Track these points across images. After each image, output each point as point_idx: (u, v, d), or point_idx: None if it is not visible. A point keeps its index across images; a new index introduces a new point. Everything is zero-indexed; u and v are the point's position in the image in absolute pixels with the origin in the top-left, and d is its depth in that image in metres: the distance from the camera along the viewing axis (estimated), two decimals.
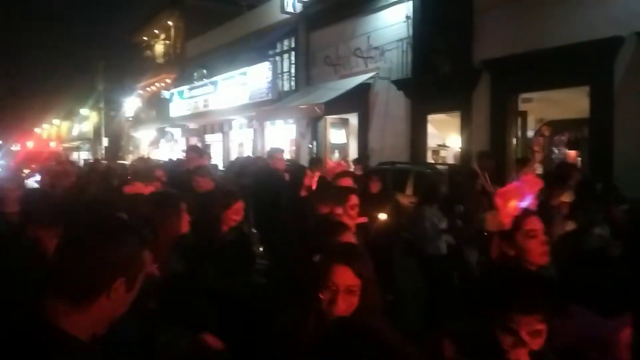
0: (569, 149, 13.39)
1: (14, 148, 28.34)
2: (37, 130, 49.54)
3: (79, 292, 1.21)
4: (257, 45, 17.62)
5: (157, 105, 26.71)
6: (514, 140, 10.77)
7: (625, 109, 8.24)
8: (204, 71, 21.40)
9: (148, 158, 14.63)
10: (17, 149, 25.13)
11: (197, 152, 6.71)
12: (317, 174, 4.96)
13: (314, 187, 4.66)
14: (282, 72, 17.23)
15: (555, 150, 13.89)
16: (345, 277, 1.72)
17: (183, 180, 5.17)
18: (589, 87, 8.99)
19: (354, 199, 3.28)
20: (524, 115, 11.26)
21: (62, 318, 1.19)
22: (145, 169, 6.10)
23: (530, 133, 12.55)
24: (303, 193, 4.72)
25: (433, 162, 12.27)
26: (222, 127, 21.20)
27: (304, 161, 14.12)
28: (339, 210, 3.10)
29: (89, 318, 1.22)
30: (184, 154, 6.78)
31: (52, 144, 40.80)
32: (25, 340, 1.14)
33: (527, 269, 2.13)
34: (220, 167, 13.51)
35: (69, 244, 1.30)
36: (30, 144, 38.67)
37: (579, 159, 12.60)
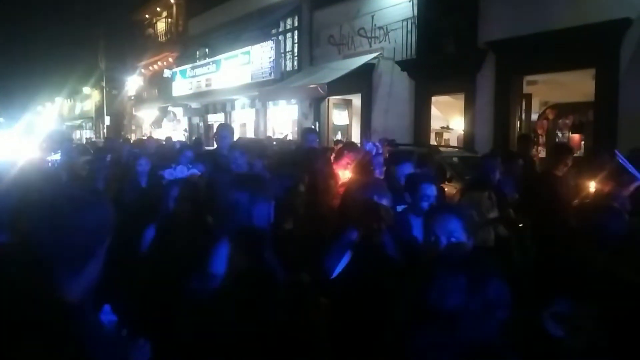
0: (573, 133, 13.34)
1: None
2: (39, 108, 49.41)
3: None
4: (260, 23, 17.44)
5: (159, 84, 26.57)
6: (518, 123, 10.73)
7: (631, 93, 8.19)
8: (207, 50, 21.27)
9: (151, 137, 14.66)
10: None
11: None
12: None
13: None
14: (285, 52, 17.09)
15: (559, 134, 13.83)
16: None
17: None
18: (594, 70, 8.92)
19: None
20: (528, 97, 11.20)
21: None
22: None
23: (534, 116, 12.50)
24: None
25: (436, 144, 12.26)
26: (224, 107, 21.12)
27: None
28: None
29: (79, 283, 1.35)
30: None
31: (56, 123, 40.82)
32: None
33: None
34: None
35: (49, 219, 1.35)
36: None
37: (583, 142, 12.57)
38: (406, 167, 4.28)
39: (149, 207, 3.62)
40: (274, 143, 11.85)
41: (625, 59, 8.32)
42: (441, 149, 10.04)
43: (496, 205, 4.30)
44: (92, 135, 35.48)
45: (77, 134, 39.91)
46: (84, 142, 25.87)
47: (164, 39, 27.20)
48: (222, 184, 2.44)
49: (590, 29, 8.43)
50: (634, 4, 8.05)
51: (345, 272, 2.47)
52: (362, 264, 2.45)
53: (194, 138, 15.55)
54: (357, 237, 2.47)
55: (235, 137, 18.02)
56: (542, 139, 13.05)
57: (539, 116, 13.06)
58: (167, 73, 24.23)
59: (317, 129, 15.31)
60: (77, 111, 44.39)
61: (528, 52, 9.53)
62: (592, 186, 4.43)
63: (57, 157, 6.60)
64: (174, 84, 23.38)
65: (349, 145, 5.82)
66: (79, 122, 43.04)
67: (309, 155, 4.60)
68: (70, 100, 45.80)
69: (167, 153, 7.62)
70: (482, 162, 5.10)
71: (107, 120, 32.90)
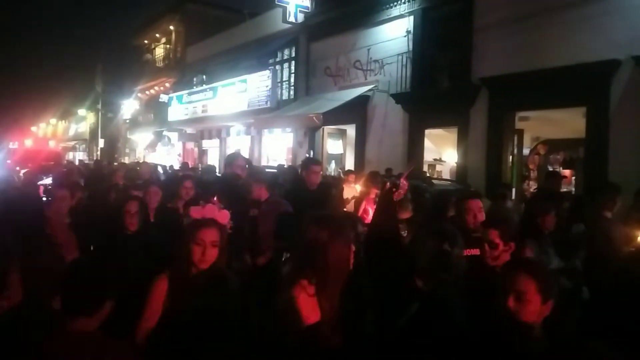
0: (564, 168, 13.50)
1: (12, 146, 28.09)
2: (33, 129, 49.36)
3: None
4: (257, 53, 17.71)
5: (155, 109, 26.71)
6: (510, 158, 10.85)
7: (621, 131, 8.34)
8: (204, 77, 21.49)
9: (144, 162, 14.66)
10: (15, 147, 24.85)
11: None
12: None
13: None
14: (282, 81, 17.32)
15: (550, 169, 13.99)
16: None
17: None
18: (585, 108, 9.10)
19: None
20: (520, 133, 11.36)
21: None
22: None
23: (525, 151, 12.66)
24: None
25: (429, 176, 12.34)
26: (219, 133, 21.22)
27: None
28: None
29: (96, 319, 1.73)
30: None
31: (52, 143, 40.67)
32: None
33: None
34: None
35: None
36: (28, 143, 38.47)
37: (574, 178, 12.71)
38: None
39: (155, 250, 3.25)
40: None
41: (615, 98, 8.51)
42: (434, 181, 10.10)
43: (556, 254, 3.83)
44: (85, 157, 35.38)
45: (70, 156, 39.81)
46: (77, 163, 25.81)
47: (161, 64, 27.50)
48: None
49: (581, 69, 8.65)
50: (623, 46, 8.29)
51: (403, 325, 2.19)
52: (423, 319, 2.16)
53: (204, 165, 15.40)
54: (422, 288, 2.23)
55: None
56: (533, 174, 13.19)
57: (531, 151, 13.23)
58: (163, 98, 24.42)
59: None
60: (72, 132, 44.39)
61: (520, 88, 9.72)
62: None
63: (49, 181, 6.53)
64: (169, 108, 23.52)
65: (375, 178, 5.56)
66: (72, 143, 42.99)
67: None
68: (65, 122, 45.84)
69: (170, 183, 6.71)
70: (533, 205, 4.48)
71: (101, 142, 32.88)
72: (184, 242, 2.37)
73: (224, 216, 2.49)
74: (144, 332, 2.28)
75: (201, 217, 2.43)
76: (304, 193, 5.01)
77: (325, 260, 1.95)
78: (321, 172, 5.63)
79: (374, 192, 4.86)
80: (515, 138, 11.10)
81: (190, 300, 2.26)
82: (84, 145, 40.93)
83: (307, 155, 15.55)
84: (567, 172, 13.26)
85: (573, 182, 12.66)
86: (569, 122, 10.70)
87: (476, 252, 2.90)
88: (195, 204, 2.76)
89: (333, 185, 7.21)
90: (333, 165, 15.52)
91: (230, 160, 5.81)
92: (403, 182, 3.16)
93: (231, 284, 2.46)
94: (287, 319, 1.90)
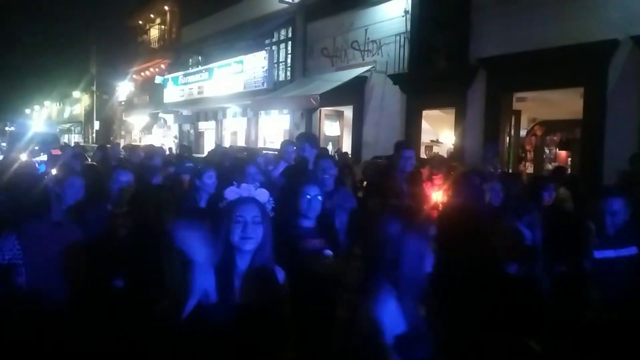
0: (560, 149, 13.56)
1: (8, 129, 27.76)
2: (27, 111, 48.96)
3: None
4: (254, 33, 17.53)
5: (150, 91, 26.53)
6: (507, 139, 10.87)
7: (618, 111, 8.35)
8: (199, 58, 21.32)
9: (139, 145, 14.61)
10: (12, 130, 24.54)
11: None
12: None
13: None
14: (279, 62, 17.18)
15: (547, 150, 14.04)
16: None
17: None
18: (583, 89, 9.09)
19: None
20: (517, 114, 11.37)
21: None
22: None
23: (522, 132, 12.68)
24: None
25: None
26: (215, 115, 21.13)
27: None
28: None
29: None
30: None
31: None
32: None
33: None
34: None
35: None
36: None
37: (570, 159, 12.77)
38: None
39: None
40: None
41: (613, 79, 8.49)
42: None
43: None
44: (81, 140, 35.20)
45: (65, 138, 39.58)
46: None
47: (156, 45, 27.20)
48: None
49: (580, 49, 8.61)
50: (622, 26, 8.25)
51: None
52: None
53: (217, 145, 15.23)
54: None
55: (227, 145, 17.79)
56: (530, 155, 13.24)
57: (527, 132, 13.26)
58: (158, 79, 24.23)
59: None
60: (66, 115, 44.10)
61: (518, 69, 9.69)
62: None
63: (43, 158, 6.54)
64: (165, 90, 23.36)
65: (439, 164, 5.11)
66: (67, 125, 42.72)
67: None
68: (60, 104, 45.48)
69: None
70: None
71: (96, 125, 32.71)
72: (222, 226, 2.10)
73: (262, 195, 2.22)
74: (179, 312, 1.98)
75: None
76: (389, 181, 4.44)
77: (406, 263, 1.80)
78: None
79: (437, 178, 4.58)
80: (513, 119, 11.11)
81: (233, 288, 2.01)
82: (79, 128, 40.70)
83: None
84: (563, 153, 13.32)
85: (569, 163, 12.72)
86: (566, 103, 10.70)
87: None
88: None
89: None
90: (330, 147, 15.51)
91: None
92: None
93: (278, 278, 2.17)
94: (374, 335, 1.72)
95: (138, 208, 3.11)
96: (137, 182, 3.86)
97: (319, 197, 2.99)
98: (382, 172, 4.80)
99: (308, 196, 2.96)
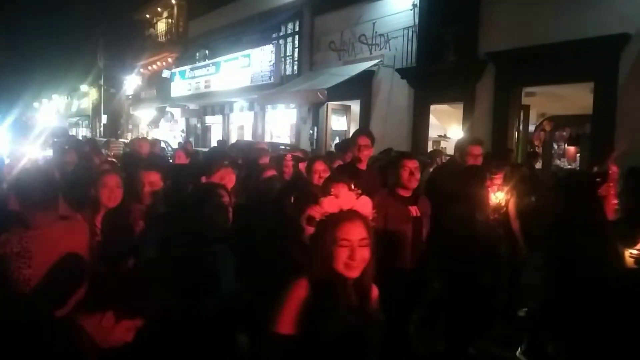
0: (569, 145, 13.45)
1: (56, 139, 27.78)
2: (35, 104, 49.21)
3: None
4: (261, 27, 17.48)
5: (157, 85, 26.55)
6: (515, 134, 10.79)
7: (629, 107, 8.25)
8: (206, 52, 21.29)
9: (145, 138, 14.63)
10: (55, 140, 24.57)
11: None
12: None
13: None
14: (286, 56, 17.13)
15: (555, 146, 13.93)
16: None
17: None
18: (593, 84, 8.99)
19: None
20: (526, 109, 11.28)
21: None
22: None
23: (531, 127, 12.58)
24: None
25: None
26: (222, 109, 21.12)
27: (304, 147, 14.13)
28: None
29: None
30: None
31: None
32: None
33: None
34: None
35: None
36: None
37: (579, 155, 12.66)
38: None
39: None
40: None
41: (623, 74, 8.39)
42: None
43: None
44: (89, 134, 35.35)
45: (73, 132, 39.79)
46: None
47: (164, 39, 27.21)
48: None
49: (590, 43, 8.51)
50: (633, 20, 8.14)
51: None
52: None
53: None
54: None
55: (233, 140, 17.79)
56: (538, 150, 13.13)
57: (536, 128, 13.16)
58: (166, 73, 24.24)
59: (316, 134, 15.35)
60: (74, 108, 44.26)
61: (527, 63, 9.59)
62: None
63: (49, 153, 6.48)
64: (172, 84, 23.37)
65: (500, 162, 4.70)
66: (75, 119, 42.89)
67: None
68: (67, 98, 45.66)
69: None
70: None
71: (104, 118, 32.81)
72: (320, 243, 1.84)
73: (365, 204, 1.90)
74: (272, 340, 1.82)
75: (339, 210, 1.86)
76: (447, 179, 4.19)
77: None
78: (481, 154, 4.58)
79: (497, 178, 4.26)
80: (522, 114, 11.02)
81: (337, 316, 1.78)
82: (86, 122, 40.86)
83: (311, 132, 15.47)
84: (571, 148, 13.21)
85: (578, 159, 12.61)
86: (575, 98, 10.59)
87: None
88: None
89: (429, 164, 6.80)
90: (337, 141, 15.46)
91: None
92: (613, 170, 2.87)
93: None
94: None
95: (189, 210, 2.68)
96: (172, 182, 3.63)
97: None
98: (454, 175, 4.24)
99: None
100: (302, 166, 4.70)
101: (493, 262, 3.77)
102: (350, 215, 1.83)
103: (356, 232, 1.79)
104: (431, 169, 6.44)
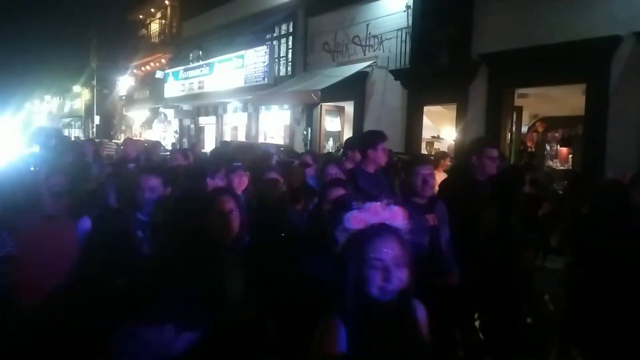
0: (562, 146, 13.51)
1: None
2: (27, 105, 48.86)
3: None
4: (254, 28, 17.45)
5: (151, 85, 26.45)
6: (508, 135, 10.82)
7: (620, 108, 8.30)
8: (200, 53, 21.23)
9: (139, 139, 14.57)
10: None
11: None
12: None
13: None
14: (279, 57, 17.11)
15: (548, 147, 14.00)
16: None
17: None
18: (585, 85, 9.04)
19: None
20: (519, 110, 11.32)
21: None
22: None
23: (524, 128, 12.63)
24: None
25: (426, 153, 12.33)
26: (216, 110, 21.07)
27: (298, 148, 14.12)
28: None
29: None
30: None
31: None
32: None
33: None
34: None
35: None
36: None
37: (571, 156, 12.72)
38: None
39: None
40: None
41: (615, 75, 8.44)
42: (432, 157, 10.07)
43: None
44: (81, 135, 35.14)
45: (65, 133, 39.53)
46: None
47: (157, 40, 27.12)
48: None
49: (582, 45, 8.56)
50: (625, 22, 8.19)
51: None
52: None
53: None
54: None
55: (227, 139, 17.62)
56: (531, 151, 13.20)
57: (529, 129, 13.22)
58: (159, 74, 24.14)
59: (310, 135, 15.34)
60: (67, 109, 43.98)
61: (520, 65, 9.63)
62: None
63: (35, 150, 6.40)
64: (165, 85, 23.29)
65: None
66: (67, 120, 42.63)
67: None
68: (60, 98, 45.38)
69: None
70: None
71: (96, 119, 32.61)
72: (349, 266, 1.59)
73: (396, 215, 1.64)
74: None
75: (365, 226, 1.62)
76: (470, 187, 3.80)
77: None
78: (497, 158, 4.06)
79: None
80: (514, 115, 11.06)
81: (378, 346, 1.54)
82: (79, 122, 40.62)
83: (305, 133, 15.44)
84: (564, 149, 13.27)
85: (570, 160, 12.68)
86: (568, 100, 10.65)
87: None
88: None
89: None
90: (331, 142, 15.47)
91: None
92: None
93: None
94: None
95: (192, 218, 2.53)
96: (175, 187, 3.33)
97: None
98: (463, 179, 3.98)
99: None
100: (310, 171, 4.73)
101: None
102: (380, 230, 1.59)
103: (389, 250, 1.55)
104: (443, 170, 6.27)
